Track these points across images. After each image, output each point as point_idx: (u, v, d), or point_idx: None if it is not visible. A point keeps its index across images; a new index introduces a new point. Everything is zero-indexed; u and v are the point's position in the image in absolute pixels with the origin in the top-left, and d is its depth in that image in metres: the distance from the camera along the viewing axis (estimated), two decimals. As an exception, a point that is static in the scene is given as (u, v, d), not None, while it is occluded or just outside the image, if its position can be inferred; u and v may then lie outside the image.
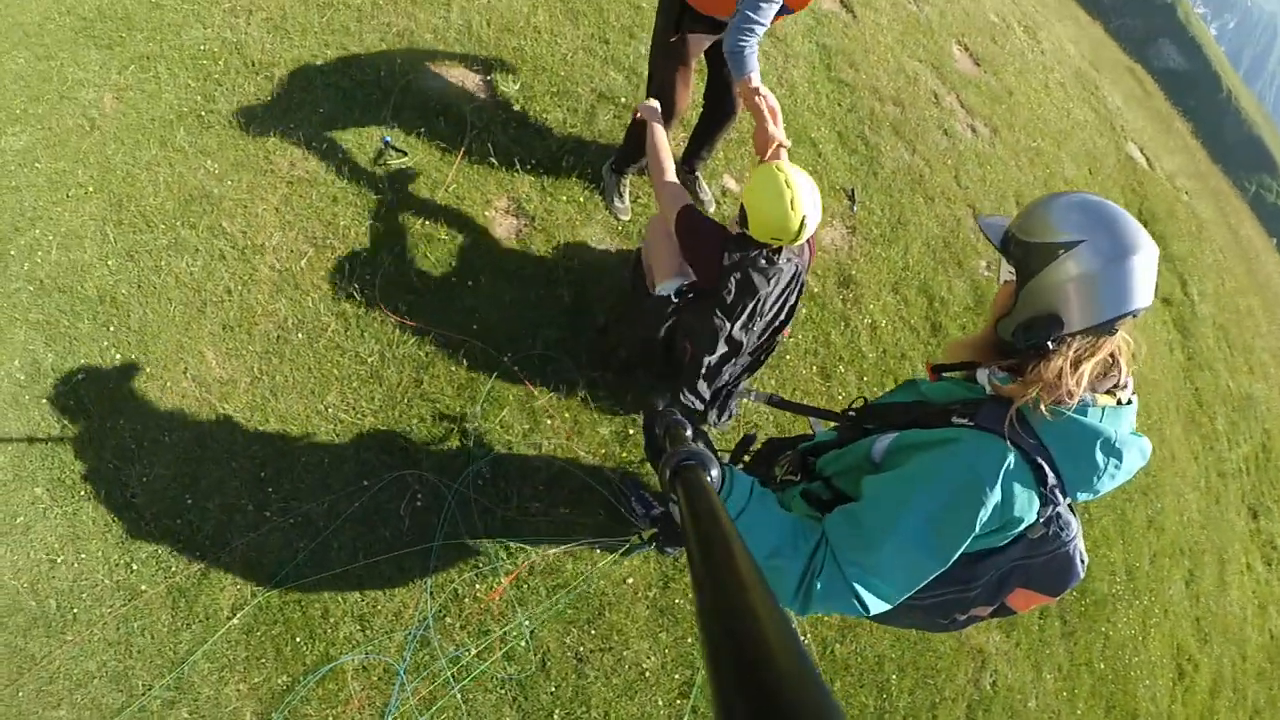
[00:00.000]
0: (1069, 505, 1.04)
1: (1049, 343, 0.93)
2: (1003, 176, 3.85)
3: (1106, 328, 0.93)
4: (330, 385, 2.13)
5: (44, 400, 2.07)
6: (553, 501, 2.09)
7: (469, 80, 2.87)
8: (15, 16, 2.91)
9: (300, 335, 2.19)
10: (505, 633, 1.89)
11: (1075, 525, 1.03)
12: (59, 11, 2.93)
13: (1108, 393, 0.96)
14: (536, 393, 2.18)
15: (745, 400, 1.92)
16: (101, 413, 2.07)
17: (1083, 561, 1.06)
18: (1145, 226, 0.91)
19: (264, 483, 2.00)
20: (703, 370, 1.89)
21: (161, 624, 1.86)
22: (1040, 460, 0.92)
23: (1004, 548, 1.01)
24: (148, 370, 2.12)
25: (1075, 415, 0.93)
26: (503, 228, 2.48)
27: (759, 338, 1.92)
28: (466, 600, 1.93)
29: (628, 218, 2.58)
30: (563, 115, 2.78)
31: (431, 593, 1.92)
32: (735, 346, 1.89)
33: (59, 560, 1.91)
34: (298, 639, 1.86)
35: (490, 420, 2.12)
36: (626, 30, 3.18)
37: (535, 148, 2.68)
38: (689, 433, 0.88)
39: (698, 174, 2.68)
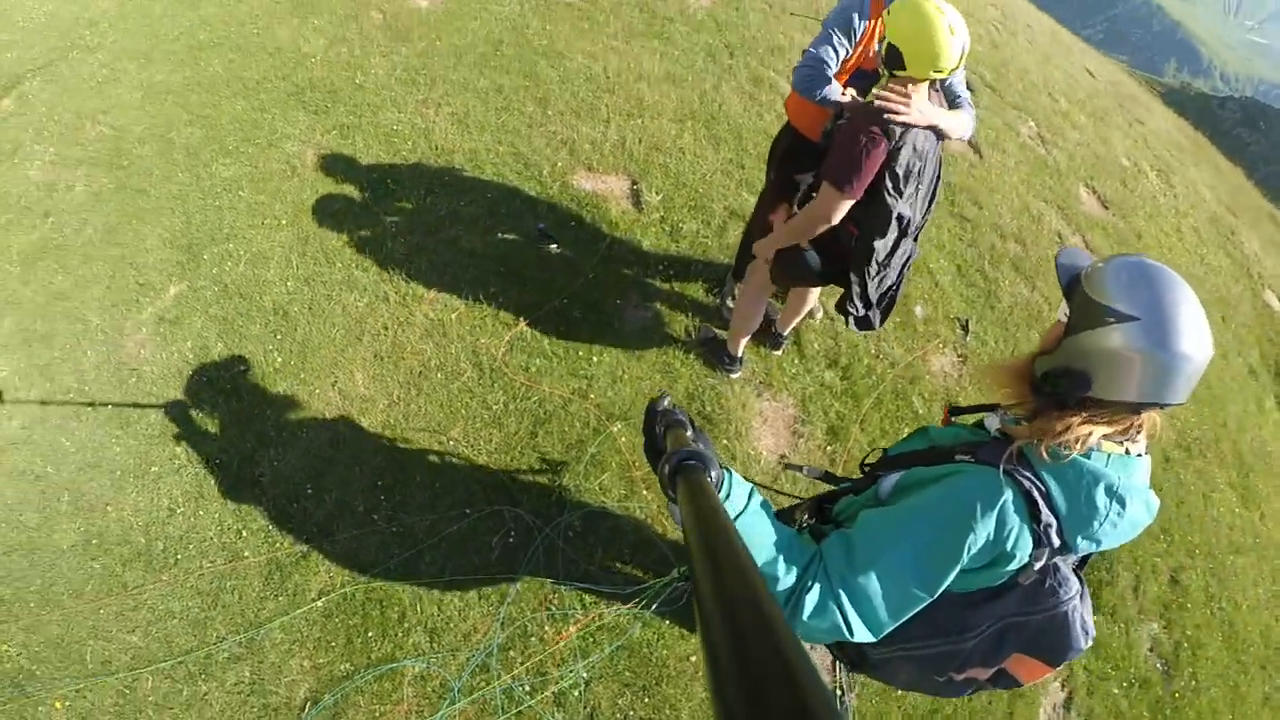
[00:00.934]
0: (1074, 567, 1.47)
1: (1069, 398, 1.33)
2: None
3: (1131, 408, 1.30)
4: (456, 421, 3.36)
5: (204, 379, 3.45)
6: (635, 566, 3.06)
7: (618, 187, 4.49)
8: (239, 71, 4.96)
9: (439, 375, 3.50)
10: (561, 677, 2.77)
11: (1076, 586, 1.42)
12: (277, 76, 4.97)
13: (1116, 443, 1.34)
14: (637, 464, 3.28)
15: (797, 474, 2.68)
16: (251, 401, 3.38)
17: (1086, 632, 1.44)
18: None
19: (379, 490, 3.15)
20: (874, 261, 2.59)
21: (252, 589, 2.95)
22: (1036, 497, 1.30)
23: (998, 594, 1.42)
24: (301, 376, 3.46)
25: (1078, 458, 1.31)
26: (631, 316, 3.83)
27: (922, 211, 2.60)
28: (533, 639, 2.87)
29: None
30: (697, 226, 4.29)
31: (502, 623, 2.88)
32: (904, 225, 2.54)
33: (178, 511, 3.12)
34: (370, 634, 2.85)
35: (591, 480, 3.23)
36: (761, 157, 4.82)
37: (669, 251, 4.14)
38: (689, 433, 1.17)
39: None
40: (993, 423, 1.55)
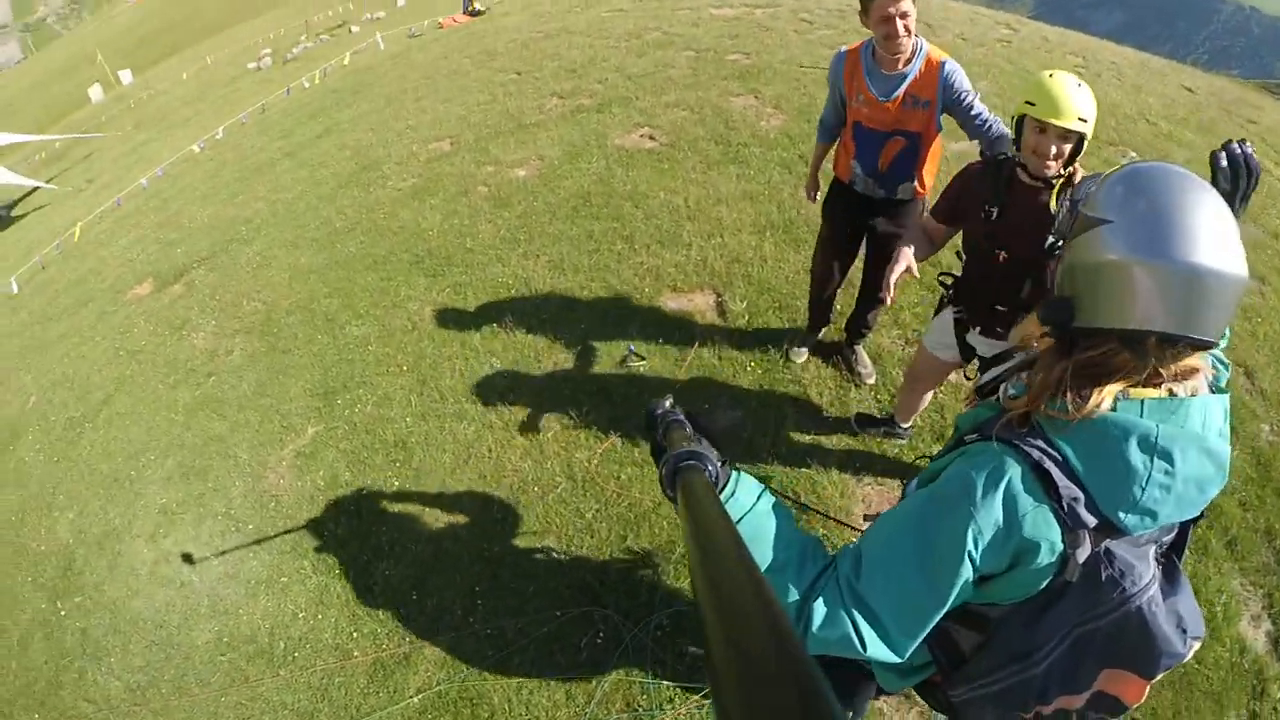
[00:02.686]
0: (1159, 555, 1.29)
1: (1056, 331, 1.20)
2: (1279, 329, 4.59)
3: (1132, 342, 1.11)
4: (550, 531, 3.69)
5: (332, 503, 4.03)
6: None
7: (703, 301, 4.92)
8: (369, 249, 5.99)
9: (536, 489, 3.90)
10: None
11: (1147, 574, 1.23)
12: (401, 249, 5.93)
13: (1154, 386, 1.16)
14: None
15: None
16: (370, 520, 3.89)
17: (1183, 631, 1.25)
18: None
19: (475, 595, 3.48)
20: None
21: (357, 685, 3.31)
22: (1048, 467, 1.13)
23: (1052, 600, 1.26)
24: (414, 498, 3.99)
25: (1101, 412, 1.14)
26: (720, 418, 4.09)
27: None
28: (622, 740, 2.94)
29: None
30: (783, 324, 4.65)
31: (589, 724, 2.99)
32: None
33: (300, 616, 3.61)
34: (461, 732, 3.04)
35: (680, 579, 3.38)
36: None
37: (754, 350, 4.46)
38: (689, 430, 1.20)
39: (857, 347, 4.35)
40: (1004, 391, 1.39)
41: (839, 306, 4.49)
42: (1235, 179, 1.41)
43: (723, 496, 1.20)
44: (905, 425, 3.84)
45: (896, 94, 3.12)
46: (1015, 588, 1.26)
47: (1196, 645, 1.28)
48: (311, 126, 9.84)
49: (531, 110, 8.10)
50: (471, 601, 3.48)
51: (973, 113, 3.13)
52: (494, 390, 4.52)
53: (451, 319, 5.16)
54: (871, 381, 4.24)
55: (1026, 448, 1.15)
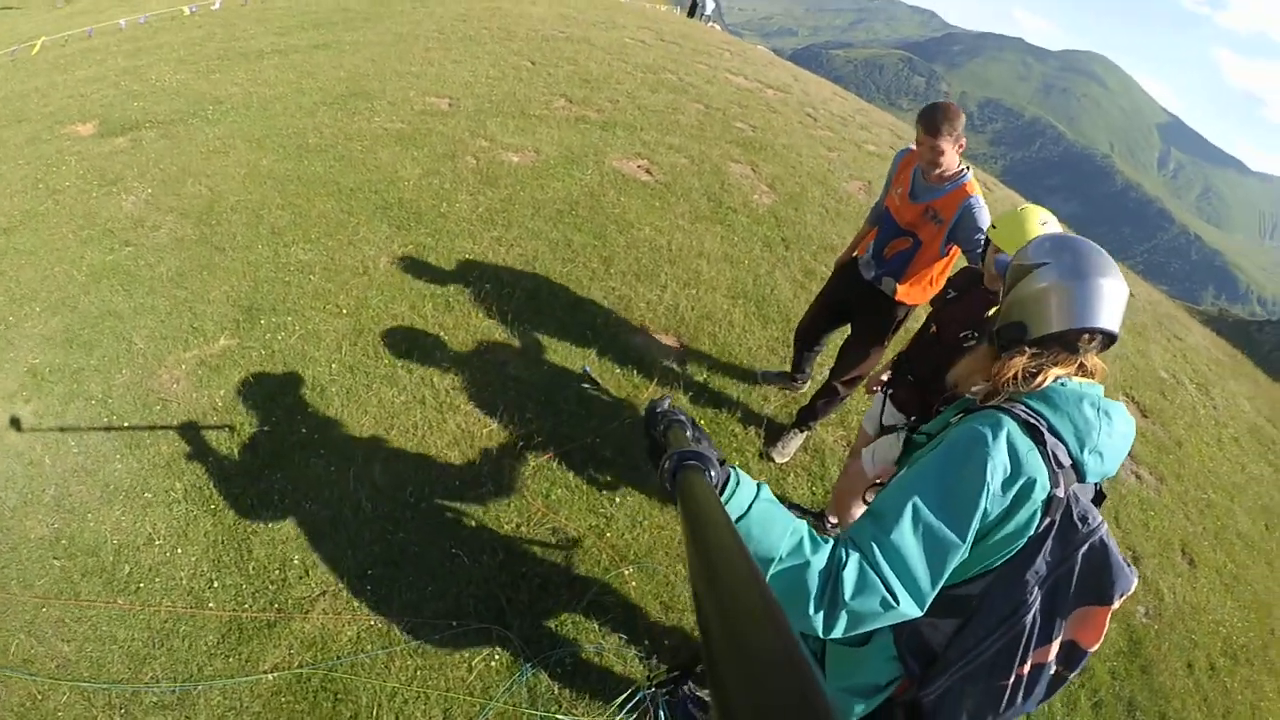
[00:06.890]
0: (1090, 499, 1.58)
1: (1013, 345, 1.60)
2: (1168, 524, 4.90)
3: (1067, 342, 1.54)
4: (464, 530, 3.32)
5: (226, 427, 3.52)
6: (622, 723, 2.83)
7: (666, 346, 4.70)
8: (337, 177, 5.51)
9: (457, 483, 3.55)
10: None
11: (1097, 513, 1.53)
12: (370, 189, 5.49)
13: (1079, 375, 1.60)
14: (644, 610, 3.16)
15: None
16: (265, 462, 3.41)
17: (1129, 565, 1.53)
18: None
19: (367, 580, 3.07)
20: None
21: (205, 641, 2.81)
22: (1034, 421, 1.45)
23: (1037, 547, 1.47)
24: (321, 452, 3.53)
25: (1056, 386, 1.54)
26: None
27: None
28: (494, 783, 2.60)
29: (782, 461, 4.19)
30: (739, 393, 4.47)
31: (462, 756, 2.63)
32: None
33: (156, 542, 3.08)
34: (314, 728, 2.61)
35: (591, 619, 3.10)
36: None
37: (706, 409, 4.29)
38: (689, 432, 1.21)
39: (796, 430, 4.32)
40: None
41: (812, 372, 4.59)
42: None
43: (723, 498, 1.22)
44: (833, 522, 3.77)
45: (923, 201, 3.36)
46: (1007, 541, 1.45)
47: (1135, 580, 1.53)
48: (312, 35, 9.06)
49: (538, 103, 7.79)
50: (361, 584, 3.05)
51: (974, 251, 3.33)
52: (435, 365, 4.13)
53: (407, 277, 4.74)
54: (781, 462, 4.21)
55: (1014, 409, 1.47)
